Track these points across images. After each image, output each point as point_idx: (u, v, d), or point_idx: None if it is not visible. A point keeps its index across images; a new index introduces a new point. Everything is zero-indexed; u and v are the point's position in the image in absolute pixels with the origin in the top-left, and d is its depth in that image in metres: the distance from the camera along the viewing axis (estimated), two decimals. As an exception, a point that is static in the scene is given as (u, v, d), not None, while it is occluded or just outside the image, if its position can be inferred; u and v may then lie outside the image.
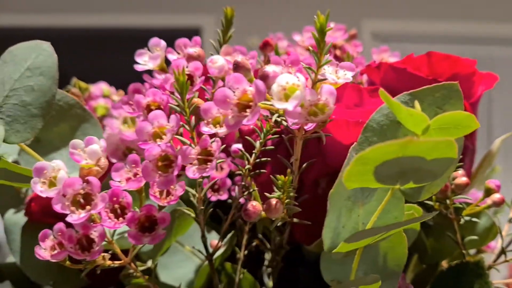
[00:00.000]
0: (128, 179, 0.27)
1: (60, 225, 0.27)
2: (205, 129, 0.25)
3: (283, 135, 0.30)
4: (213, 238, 0.39)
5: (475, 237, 0.34)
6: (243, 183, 0.32)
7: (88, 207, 0.25)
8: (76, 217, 0.25)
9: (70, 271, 0.41)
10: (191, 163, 0.25)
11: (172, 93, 0.27)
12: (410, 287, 0.32)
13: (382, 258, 0.29)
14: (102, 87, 0.43)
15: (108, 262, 0.29)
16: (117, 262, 0.30)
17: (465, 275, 0.34)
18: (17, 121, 0.29)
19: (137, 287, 0.36)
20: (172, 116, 0.25)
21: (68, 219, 0.25)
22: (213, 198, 0.34)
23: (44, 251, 0.27)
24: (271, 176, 0.27)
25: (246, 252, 0.36)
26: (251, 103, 0.24)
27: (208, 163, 0.25)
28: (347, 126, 0.28)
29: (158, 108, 0.29)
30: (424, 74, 0.33)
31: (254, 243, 0.36)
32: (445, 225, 0.33)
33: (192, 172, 0.25)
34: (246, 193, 0.32)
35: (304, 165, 0.27)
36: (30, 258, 0.41)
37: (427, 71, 0.34)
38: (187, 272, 0.39)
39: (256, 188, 0.32)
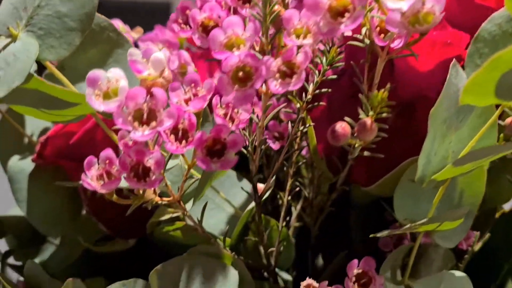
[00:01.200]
0: (187, 100, 0.23)
1: (107, 152, 0.24)
2: (289, 40, 0.22)
3: (351, 62, 0.27)
4: (245, 186, 0.36)
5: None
6: (299, 117, 0.29)
7: (153, 124, 0.21)
8: (140, 134, 0.21)
9: (83, 222, 0.38)
10: (272, 77, 0.22)
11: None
12: (472, 234, 0.30)
13: (458, 195, 0.27)
14: (118, 23, 0.39)
15: (157, 198, 0.26)
16: (165, 199, 0.26)
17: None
18: (52, 35, 0.25)
19: (169, 236, 0.33)
20: (250, 24, 0.22)
21: (132, 136, 0.21)
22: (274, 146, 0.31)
23: (91, 181, 0.23)
24: (359, 94, 0.25)
25: (289, 197, 0.33)
26: (349, 7, 0.21)
27: (293, 76, 0.22)
28: (433, 47, 0.26)
29: (215, 26, 0.26)
30: (493, 4, 0.30)
31: (297, 188, 0.33)
32: (501, 167, 0.31)
33: (274, 86, 0.22)
34: (302, 128, 0.29)
35: (388, 85, 0.24)
36: (39, 208, 0.36)
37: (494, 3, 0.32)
38: (218, 222, 0.35)
39: (312, 123, 0.29)
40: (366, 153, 0.27)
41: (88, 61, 0.30)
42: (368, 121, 0.22)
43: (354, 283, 0.26)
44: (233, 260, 0.29)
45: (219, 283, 0.27)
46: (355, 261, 0.27)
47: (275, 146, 0.31)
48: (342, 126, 0.23)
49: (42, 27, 0.25)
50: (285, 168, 0.32)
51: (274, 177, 0.31)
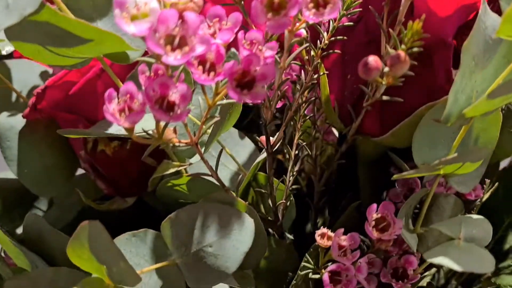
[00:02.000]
0: (212, 34, 0.22)
1: (128, 86, 0.22)
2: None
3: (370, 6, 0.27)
4: (246, 145, 0.36)
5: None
6: (313, 64, 0.29)
7: (185, 49, 0.20)
8: (172, 58, 0.20)
9: (78, 182, 0.36)
10: (305, 7, 0.21)
11: None
12: (479, 186, 0.31)
13: (473, 141, 0.27)
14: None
15: (176, 140, 0.25)
16: (184, 141, 0.25)
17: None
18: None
19: (173, 191, 0.32)
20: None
21: (164, 60, 0.20)
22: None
23: (112, 115, 0.22)
24: (390, 29, 0.24)
25: (297, 151, 0.32)
26: None
27: (328, 6, 0.21)
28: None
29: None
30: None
31: (303, 143, 0.32)
32: (504, 121, 0.32)
33: (308, 15, 0.21)
34: (315, 76, 0.29)
35: (423, 16, 0.24)
36: (30, 167, 0.35)
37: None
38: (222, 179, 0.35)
39: (325, 72, 0.29)
40: (385, 98, 0.27)
41: (94, 3, 0.28)
42: (402, 53, 0.22)
43: (373, 228, 0.26)
44: (247, 209, 0.28)
45: (235, 231, 0.27)
46: (374, 205, 0.27)
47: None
48: (375, 59, 0.22)
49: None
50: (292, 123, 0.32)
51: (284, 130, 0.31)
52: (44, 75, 0.38)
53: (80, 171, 0.37)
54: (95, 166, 0.33)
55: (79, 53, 0.27)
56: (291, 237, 0.35)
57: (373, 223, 0.26)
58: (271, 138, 0.29)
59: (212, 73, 0.22)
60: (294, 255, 0.33)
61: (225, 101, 0.25)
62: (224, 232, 0.26)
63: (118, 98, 0.22)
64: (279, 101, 0.29)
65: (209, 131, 0.27)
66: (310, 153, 0.33)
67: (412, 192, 0.30)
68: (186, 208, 0.27)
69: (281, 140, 0.30)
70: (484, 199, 0.30)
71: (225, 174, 0.35)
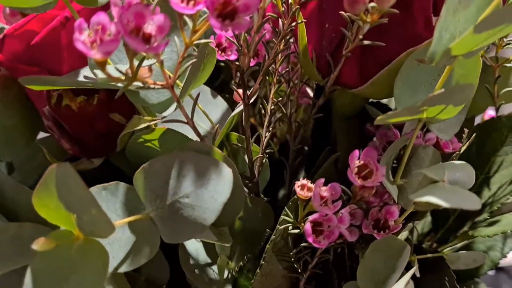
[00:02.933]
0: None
1: (99, 16, 0.21)
2: None
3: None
4: (219, 104, 0.34)
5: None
6: (291, 12, 0.28)
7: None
8: None
9: (38, 145, 0.34)
10: None
11: None
12: (455, 139, 0.31)
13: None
14: None
15: (150, 81, 0.23)
16: (159, 83, 0.24)
17: (497, 131, 0.34)
18: None
19: (144, 147, 0.30)
20: None
21: None
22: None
23: (84, 44, 0.20)
24: None
25: (273, 107, 0.31)
26: None
27: None
28: None
29: None
30: None
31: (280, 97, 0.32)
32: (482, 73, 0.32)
33: None
34: (293, 24, 0.28)
35: None
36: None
37: None
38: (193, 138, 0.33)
39: (304, 20, 0.28)
40: (366, 42, 0.26)
41: None
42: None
43: (355, 174, 0.26)
44: (223, 159, 0.27)
45: (213, 180, 0.25)
46: (356, 152, 0.26)
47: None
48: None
49: None
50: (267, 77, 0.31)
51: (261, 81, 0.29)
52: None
53: (41, 135, 0.35)
54: (60, 123, 0.31)
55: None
56: (264, 198, 0.34)
57: (356, 169, 0.26)
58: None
59: (191, 2, 0.20)
60: (270, 214, 0.32)
61: (202, 41, 0.24)
62: (201, 182, 0.25)
63: (89, 30, 0.21)
64: (252, 59, 0.28)
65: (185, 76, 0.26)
66: (284, 111, 0.32)
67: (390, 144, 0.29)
68: (160, 157, 0.25)
69: (257, 92, 0.29)
70: (461, 151, 0.30)
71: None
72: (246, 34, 0.27)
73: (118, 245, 0.25)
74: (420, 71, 0.26)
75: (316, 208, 0.26)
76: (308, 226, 0.26)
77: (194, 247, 0.30)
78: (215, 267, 0.31)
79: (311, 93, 0.35)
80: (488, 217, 0.31)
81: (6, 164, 0.38)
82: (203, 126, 0.33)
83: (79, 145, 0.31)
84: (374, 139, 0.30)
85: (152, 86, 0.23)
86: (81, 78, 0.30)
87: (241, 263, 0.31)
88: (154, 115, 0.32)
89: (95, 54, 0.20)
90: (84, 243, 0.22)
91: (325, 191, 0.26)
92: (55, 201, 0.21)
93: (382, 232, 0.27)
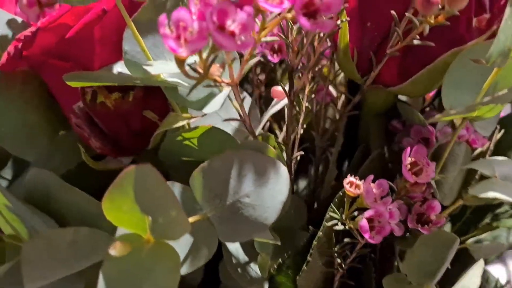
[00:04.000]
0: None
1: (180, 13, 0.20)
2: None
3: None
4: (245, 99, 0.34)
5: None
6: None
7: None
8: None
9: (62, 142, 0.32)
10: None
11: None
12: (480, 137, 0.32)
13: (492, 89, 0.28)
14: None
15: (219, 79, 0.23)
16: (226, 80, 0.23)
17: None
18: None
19: (181, 145, 0.29)
20: None
21: None
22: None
23: (175, 40, 0.19)
24: None
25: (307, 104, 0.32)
26: None
27: None
28: None
29: None
30: None
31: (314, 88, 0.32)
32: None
33: None
34: (339, 24, 0.28)
35: None
36: (8, 125, 0.31)
37: None
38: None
39: (347, 19, 0.29)
40: (416, 42, 0.27)
41: None
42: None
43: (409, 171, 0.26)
44: (276, 157, 0.27)
45: (272, 179, 0.25)
46: (408, 149, 0.27)
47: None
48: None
49: None
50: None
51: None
52: (12, 24, 0.34)
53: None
54: (91, 121, 0.30)
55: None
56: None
57: (409, 166, 0.26)
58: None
59: (276, 0, 0.20)
60: (303, 211, 0.33)
61: (269, 38, 0.24)
62: (261, 181, 0.25)
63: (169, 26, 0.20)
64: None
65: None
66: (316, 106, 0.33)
67: (426, 141, 0.30)
68: (220, 156, 0.25)
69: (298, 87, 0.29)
70: (492, 146, 0.31)
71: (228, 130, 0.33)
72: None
73: (178, 247, 0.24)
74: (467, 71, 0.26)
75: (368, 204, 0.27)
76: (364, 223, 0.26)
77: (234, 246, 0.30)
78: (253, 265, 0.31)
79: (332, 91, 0.36)
80: (509, 209, 0.33)
81: (12, 165, 0.36)
82: (233, 124, 0.33)
83: (111, 144, 0.30)
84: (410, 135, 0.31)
85: (218, 84, 0.23)
86: (114, 73, 0.29)
87: (280, 260, 0.31)
88: (186, 112, 0.31)
89: (182, 52, 0.20)
90: (155, 246, 0.22)
91: (374, 188, 0.27)
92: (129, 204, 0.21)
93: (426, 225, 0.28)
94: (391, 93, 0.31)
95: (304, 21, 0.20)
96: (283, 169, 0.25)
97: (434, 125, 0.31)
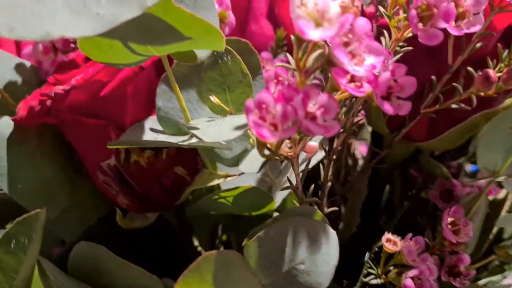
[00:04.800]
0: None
1: (263, 95, 0.20)
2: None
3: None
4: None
5: None
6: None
7: (364, 57, 0.18)
8: (352, 68, 0.18)
9: (86, 195, 0.31)
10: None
11: None
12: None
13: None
14: None
15: (289, 154, 0.22)
16: (289, 153, 0.23)
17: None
18: None
19: (215, 203, 0.29)
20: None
21: (351, 69, 0.18)
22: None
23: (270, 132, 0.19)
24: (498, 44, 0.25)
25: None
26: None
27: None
28: None
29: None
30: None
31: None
32: None
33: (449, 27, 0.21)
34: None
35: None
36: (24, 181, 0.29)
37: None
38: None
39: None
40: (454, 106, 0.28)
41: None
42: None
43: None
44: (323, 219, 0.27)
45: (323, 244, 0.25)
46: (447, 210, 0.28)
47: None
48: (494, 72, 0.23)
49: None
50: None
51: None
52: (20, 69, 0.31)
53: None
54: (120, 178, 0.28)
55: (160, 51, 0.23)
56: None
57: (450, 226, 0.27)
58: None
59: (356, 83, 0.20)
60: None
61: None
62: (315, 247, 0.25)
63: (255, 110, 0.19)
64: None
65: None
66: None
67: (450, 193, 0.32)
68: (274, 225, 0.25)
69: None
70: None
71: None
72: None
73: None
74: (501, 135, 0.28)
75: (409, 262, 0.27)
76: (410, 283, 0.27)
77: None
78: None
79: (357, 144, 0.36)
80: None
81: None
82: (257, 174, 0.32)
83: (141, 201, 0.29)
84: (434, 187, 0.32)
85: (282, 157, 0.23)
86: (147, 130, 0.28)
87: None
88: (215, 167, 0.30)
89: (269, 138, 0.19)
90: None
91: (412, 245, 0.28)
92: (206, 289, 0.20)
93: (458, 278, 0.29)
94: (413, 145, 0.32)
95: (387, 107, 0.20)
96: (333, 234, 0.26)
97: (455, 175, 0.32)
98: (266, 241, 0.25)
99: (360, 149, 0.39)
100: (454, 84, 0.26)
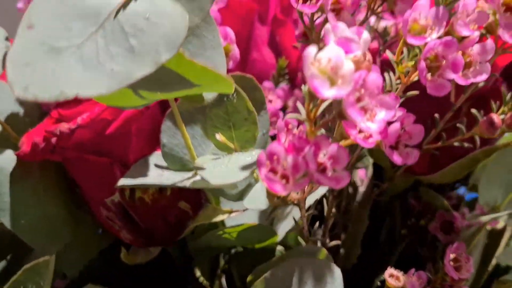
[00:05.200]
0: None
1: (273, 146, 0.20)
2: (464, 29, 0.21)
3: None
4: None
5: None
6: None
7: (373, 113, 0.19)
8: (370, 125, 0.18)
9: (89, 230, 0.30)
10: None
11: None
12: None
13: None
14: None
15: (297, 199, 0.22)
16: (295, 198, 0.23)
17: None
18: (183, -4, 0.20)
19: (219, 239, 0.29)
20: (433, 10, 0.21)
21: (363, 127, 0.18)
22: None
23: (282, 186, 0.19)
24: (501, 88, 0.25)
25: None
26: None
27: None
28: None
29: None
30: None
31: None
32: None
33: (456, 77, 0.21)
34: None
35: None
36: (27, 216, 0.28)
37: None
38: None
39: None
40: (456, 144, 0.28)
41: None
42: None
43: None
44: (327, 257, 0.27)
45: (329, 284, 0.25)
46: (450, 247, 0.28)
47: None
48: (498, 117, 0.23)
49: (170, -15, 0.20)
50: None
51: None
52: (22, 100, 0.31)
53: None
54: (126, 214, 0.28)
55: (169, 96, 0.23)
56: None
57: (452, 263, 0.28)
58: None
59: (365, 134, 0.20)
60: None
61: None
62: (320, 286, 0.25)
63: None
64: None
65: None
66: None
67: (450, 225, 0.32)
68: (282, 265, 0.25)
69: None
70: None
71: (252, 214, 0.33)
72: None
73: None
74: (502, 171, 0.28)
75: (412, 299, 0.28)
76: (414, 320, 0.27)
77: None
78: None
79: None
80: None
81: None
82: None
83: (144, 236, 0.29)
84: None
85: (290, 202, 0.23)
86: (151, 166, 0.28)
87: None
88: (219, 202, 0.30)
89: (282, 191, 0.19)
90: None
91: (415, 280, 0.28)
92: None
93: (458, 312, 0.29)
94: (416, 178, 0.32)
95: (396, 158, 0.20)
96: (338, 272, 0.26)
97: (455, 207, 0.33)
98: (272, 281, 0.25)
99: (360, 174, 0.39)
100: (458, 125, 0.26)
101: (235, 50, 0.30)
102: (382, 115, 0.19)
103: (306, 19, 0.26)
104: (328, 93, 0.18)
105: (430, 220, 0.33)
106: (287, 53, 0.37)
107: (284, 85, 0.36)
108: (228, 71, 0.33)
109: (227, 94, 0.26)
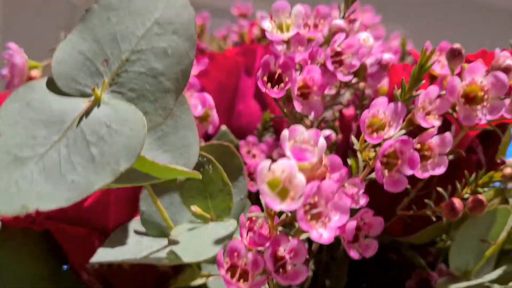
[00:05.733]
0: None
1: (235, 243, 0.20)
2: (424, 120, 0.22)
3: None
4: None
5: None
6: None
7: (324, 220, 0.19)
8: (322, 233, 0.19)
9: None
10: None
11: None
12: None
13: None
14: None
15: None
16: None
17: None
18: (145, 98, 0.21)
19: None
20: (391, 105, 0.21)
21: (314, 237, 0.19)
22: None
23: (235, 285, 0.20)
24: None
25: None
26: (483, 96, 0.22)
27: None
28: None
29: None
30: None
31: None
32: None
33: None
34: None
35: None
36: (9, 278, 0.29)
37: None
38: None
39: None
40: (428, 213, 0.28)
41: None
42: (482, 198, 0.24)
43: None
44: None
45: None
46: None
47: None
48: (459, 202, 0.24)
49: (133, 87, 0.20)
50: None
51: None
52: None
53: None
54: (106, 278, 0.29)
55: (135, 183, 0.23)
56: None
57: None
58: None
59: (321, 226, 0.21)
60: None
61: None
62: None
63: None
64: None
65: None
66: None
67: (426, 283, 0.32)
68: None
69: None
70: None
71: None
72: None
73: None
74: (469, 238, 0.29)
75: None
76: None
77: None
78: None
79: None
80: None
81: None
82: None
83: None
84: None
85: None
86: (131, 232, 0.29)
87: None
88: (199, 264, 0.31)
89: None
90: None
91: None
92: None
93: None
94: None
95: (353, 254, 0.21)
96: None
97: (431, 266, 0.33)
98: None
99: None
100: (426, 200, 0.27)
101: (214, 116, 0.31)
102: (336, 219, 0.20)
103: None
104: (279, 207, 0.18)
105: (408, 277, 0.33)
106: (272, 105, 0.38)
107: (268, 138, 0.37)
108: (208, 136, 0.34)
109: (202, 163, 0.27)
